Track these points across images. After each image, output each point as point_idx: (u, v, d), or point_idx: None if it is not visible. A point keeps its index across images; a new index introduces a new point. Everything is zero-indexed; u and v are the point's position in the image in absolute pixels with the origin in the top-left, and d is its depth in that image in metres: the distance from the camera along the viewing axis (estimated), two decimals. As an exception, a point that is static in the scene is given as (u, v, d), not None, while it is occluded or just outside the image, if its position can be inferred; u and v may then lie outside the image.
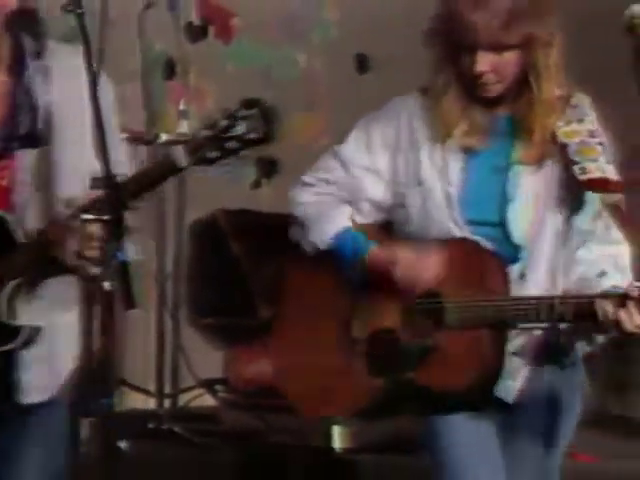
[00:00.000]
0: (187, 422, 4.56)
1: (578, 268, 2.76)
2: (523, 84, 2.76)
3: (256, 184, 5.90)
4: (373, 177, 2.87)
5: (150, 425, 4.55)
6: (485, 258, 2.73)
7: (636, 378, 4.84)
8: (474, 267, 2.73)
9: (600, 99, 2.83)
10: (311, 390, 2.88)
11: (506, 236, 2.76)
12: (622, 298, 2.60)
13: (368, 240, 2.82)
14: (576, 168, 2.66)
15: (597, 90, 2.83)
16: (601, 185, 2.64)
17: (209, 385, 5.12)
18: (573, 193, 2.73)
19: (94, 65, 2.50)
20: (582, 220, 2.77)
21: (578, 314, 2.63)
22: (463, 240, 2.75)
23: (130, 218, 2.57)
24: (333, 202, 2.89)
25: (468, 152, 2.80)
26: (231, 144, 2.56)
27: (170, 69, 5.32)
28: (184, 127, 4.64)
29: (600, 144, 2.71)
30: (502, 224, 2.76)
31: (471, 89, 2.76)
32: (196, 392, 5.01)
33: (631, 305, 2.58)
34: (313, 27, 6.01)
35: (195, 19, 5.75)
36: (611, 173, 2.66)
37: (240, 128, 2.55)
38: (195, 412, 4.85)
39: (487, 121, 2.79)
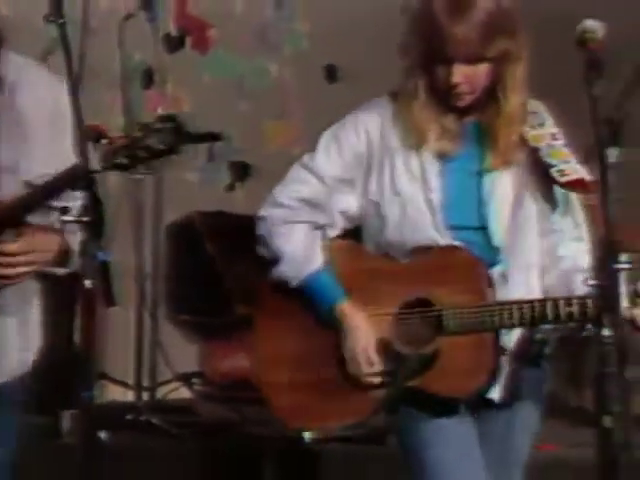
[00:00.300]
0: (164, 414, 4.55)
1: (559, 265, 2.75)
2: (491, 94, 2.75)
3: (230, 187, 5.91)
4: (346, 188, 2.81)
5: (129, 416, 4.54)
6: (469, 263, 2.71)
7: (590, 373, 4.87)
8: (461, 273, 2.70)
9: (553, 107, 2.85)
10: (304, 405, 2.82)
11: (486, 239, 2.74)
12: (634, 296, 2.60)
13: (338, 286, 2.77)
14: (554, 171, 2.66)
15: (551, 99, 2.85)
16: (580, 185, 2.65)
17: (186, 378, 5.12)
18: (546, 194, 2.73)
19: (74, 73, 2.50)
20: (555, 219, 2.76)
21: (585, 312, 2.62)
22: (448, 247, 2.72)
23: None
24: (307, 233, 2.81)
25: (443, 157, 2.76)
26: (140, 153, 2.61)
27: (148, 78, 5.32)
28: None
29: (565, 146, 2.72)
30: (482, 228, 2.74)
31: (443, 98, 2.74)
32: (173, 385, 5.01)
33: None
34: (285, 39, 6.02)
35: (173, 30, 5.76)
36: (584, 173, 2.66)
37: (152, 140, 2.61)
38: (172, 404, 4.85)
39: (457, 127, 2.77)
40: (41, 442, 4.21)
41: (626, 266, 2.47)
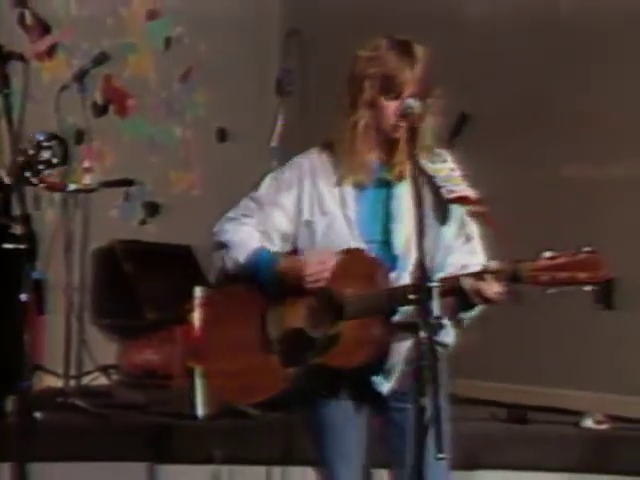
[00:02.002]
0: (88, 397, 4.47)
1: (447, 270, 2.68)
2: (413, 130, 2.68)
3: (143, 222, 5.86)
4: (280, 212, 2.76)
5: (59, 399, 4.45)
6: (371, 264, 2.64)
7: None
8: (363, 270, 2.64)
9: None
10: (233, 384, 2.73)
11: (388, 250, 2.69)
12: (480, 273, 2.54)
13: (279, 255, 2.71)
14: (444, 190, 2.62)
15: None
16: (464, 200, 2.61)
17: (104, 369, 5.06)
18: (441, 212, 2.66)
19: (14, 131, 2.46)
20: (448, 237, 2.69)
21: (448, 291, 2.55)
22: (354, 250, 2.66)
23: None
24: (251, 230, 2.76)
25: (359, 187, 2.72)
26: (40, 167, 2.59)
27: (79, 137, 5.26)
28: (87, 180, 4.63)
29: (460, 176, 2.67)
30: (385, 241, 2.70)
31: (383, 130, 2.68)
32: (95, 374, 4.94)
33: (489, 277, 2.53)
34: (186, 108, 6.00)
35: (99, 99, 5.70)
36: (471, 192, 2.63)
37: (45, 155, 2.60)
38: (94, 390, 4.76)
39: (372, 164, 2.72)
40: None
41: (436, 284, 2.50)
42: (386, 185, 2.73)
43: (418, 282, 2.51)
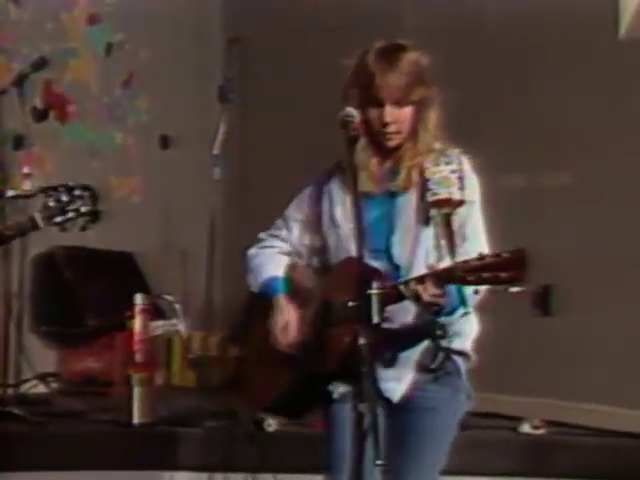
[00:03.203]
0: (26, 405, 4.42)
1: None
2: (410, 138, 2.68)
3: (83, 228, 5.78)
4: (303, 226, 2.79)
5: (-3, 408, 4.40)
6: (368, 271, 2.58)
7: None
8: (354, 277, 2.58)
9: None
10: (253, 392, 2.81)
11: (390, 260, 2.67)
12: (422, 277, 2.52)
13: (285, 286, 2.75)
14: (429, 194, 2.62)
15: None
16: (444, 203, 2.60)
17: (43, 377, 5.01)
18: (425, 215, 2.65)
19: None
20: (429, 238, 2.66)
21: (392, 297, 2.53)
22: (349, 258, 2.64)
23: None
24: (272, 253, 2.82)
25: (367, 195, 2.67)
26: (71, 214, 2.75)
27: (19, 142, 5.21)
28: (27, 186, 4.58)
29: (460, 178, 2.64)
30: (387, 250, 2.67)
31: (376, 140, 2.66)
32: (33, 382, 4.88)
33: (428, 280, 2.50)
34: (128, 113, 5.97)
35: (39, 104, 5.64)
36: (456, 195, 2.61)
37: (77, 203, 2.73)
38: (32, 398, 4.72)
39: (380, 172, 2.70)
40: None
41: (376, 291, 2.51)
42: (391, 195, 2.70)
43: (357, 289, 2.52)
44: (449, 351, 2.67)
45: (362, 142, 2.66)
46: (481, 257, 2.44)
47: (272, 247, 2.84)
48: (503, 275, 2.42)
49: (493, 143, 4.64)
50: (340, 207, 2.73)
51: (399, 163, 2.69)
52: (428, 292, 2.50)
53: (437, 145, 2.69)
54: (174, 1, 5.94)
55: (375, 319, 2.51)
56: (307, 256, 2.81)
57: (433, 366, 2.66)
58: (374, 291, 2.51)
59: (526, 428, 4.31)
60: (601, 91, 4.41)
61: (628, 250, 4.19)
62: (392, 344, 2.64)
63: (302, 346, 2.69)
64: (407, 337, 2.66)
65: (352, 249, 2.61)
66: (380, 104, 2.63)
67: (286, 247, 2.83)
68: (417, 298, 2.53)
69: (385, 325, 2.55)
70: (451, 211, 2.58)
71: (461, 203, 2.59)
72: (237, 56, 4.73)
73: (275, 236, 2.85)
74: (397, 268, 2.65)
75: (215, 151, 4.63)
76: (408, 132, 2.67)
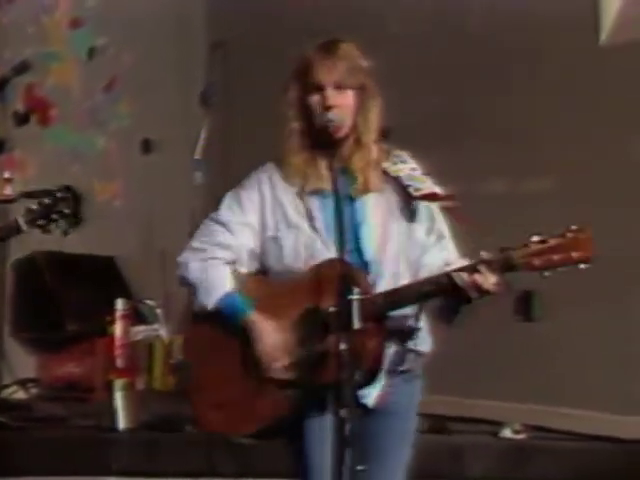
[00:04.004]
0: (6, 411, 4.40)
1: (425, 269, 2.61)
2: (354, 140, 2.65)
3: (65, 233, 5.77)
4: (246, 230, 2.67)
5: (-24, 413, 4.38)
6: (351, 272, 2.53)
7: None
8: (336, 281, 2.52)
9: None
10: (224, 415, 2.61)
11: (359, 257, 2.62)
12: (473, 266, 2.48)
13: (246, 301, 2.61)
14: (411, 189, 2.59)
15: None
16: (432, 197, 2.59)
17: (23, 383, 4.99)
18: (409, 210, 2.63)
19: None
20: (419, 235, 2.64)
21: (441, 289, 2.49)
22: (328, 261, 2.57)
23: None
24: (218, 266, 2.66)
25: (320, 193, 2.64)
26: (54, 216, 2.73)
27: (0, 146, 5.19)
28: (8, 190, 4.55)
29: (423, 174, 2.64)
30: (356, 248, 2.61)
31: (319, 133, 2.62)
32: (13, 388, 4.86)
33: (483, 269, 2.46)
34: (111, 118, 5.96)
35: (21, 108, 5.63)
36: (438, 189, 2.60)
37: (60, 205, 2.72)
38: (12, 403, 4.69)
39: (328, 171, 2.62)
40: None
41: (357, 297, 2.47)
42: (350, 196, 2.66)
43: (339, 295, 2.50)
44: (416, 353, 2.66)
45: (298, 136, 2.64)
46: (542, 240, 2.44)
47: (216, 258, 2.68)
48: (575, 255, 2.44)
49: (476, 147, 4.67)
50: (291, 207, 2.66)
51: (347, 161, 2.65)
52: (489, 280, 2.46)
53: (384, 146, 2.69)
54: (157, 5, 5.94)
55: (357, 325, 2.45)
56: (247, 261, 2.69)
57: (402, 368, 2.64)
58: (355, 297, 2.47)
59: (507, 433, 4.33)
60: (583, 96, 4.44)
61: (609, 254, 4.21)
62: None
63: (299, 365, 2.57)
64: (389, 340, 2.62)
65: (316, 251, 2.59)
66: (321, 88, 2.62)
67: (229, 255, 2.68)
68: (475, 287, 2.47)
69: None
70: (442, 204, 2.59)
71: (448, 197, 2.59)
72: (220, 60, 4.74)
73: (216, 244, 2.69)
74: (367, 265, 2.62)
75: (197, 156, 4.63)
76: (351, 125, 2.64)
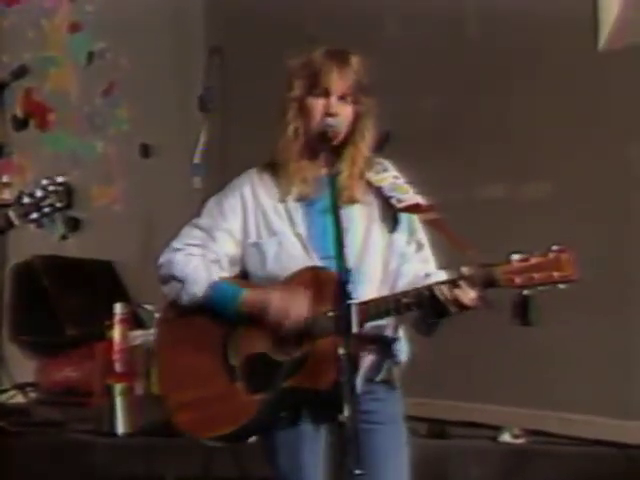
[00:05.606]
0: (5, 416, 4.40)
1: (404, 279, 2.63)
2: (344, 143, 2.66)
3: (63, 237, 5.79)
4: (227, 236, 2.67)
5: (-25, 418, 4.38)
6: (329, 279, 2.53)
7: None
8: (319, 288, 2.54)
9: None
10: (198, 415, 2.59)
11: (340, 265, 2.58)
12: (454, 280, 2.49)
13: (240, 287, 2.61)
14: (393, 200, 2.60)
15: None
16: (414, 208, 2.60)
17: (22, 387, 4.98)
18: (391, 220, 2.65)
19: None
20: (399, 244, 2.66)
21: (422, 302, 2.51)
22: (310, 268, 2.59)
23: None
24: (203, 260, 2.65)
25: (304, 201, 2.66)
26: (46, 209, 2.66)
27: (-1, 150, 5.20)
28: (7, 195, 4.55)
29: (405, 184, 2.65)
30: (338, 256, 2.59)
31: (313, 139, 2.63)
32: (12, 392, 4.86)
33: (464, 284, 2.47)
34: (109, 122, 5.97)
35: (19, 113, 5.63)
36: (421, 200, 2.61)
37: (52, 198, 2.66)
38: (11, 407, 4.69)
39: (315, 177, 2.66)
40: None
41: (354, 301, 2.46)
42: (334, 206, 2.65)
43: (338, 298, 2.50)
44: (393, 362, 2.66)
45: (293, 136, 2.64)
46: (524, 258, 2.44)
47: (198, 255, 2.66)
48: (556, 275, 2.43)
49: (474, 153, 4.67)
50: (273, 214, 2.66)
51: (334, 171, 2.63)
52: (468, 296, 2.48)
53: (367, 154, 2.69)
54: (155, 10, 5.95)
55: (355, 329, 2.44)
56: (227, 268, 2.68)
57: (379, 378, 2.64)
58: (354, 301, 2.45)
59: (506, 437, 4.32)
60: (582, 102, 4.44)
61: (606, 260, 4.21)
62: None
63: (287, 365, 2.54)
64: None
65: (299, 258, 2.58)
66: (326, 95, 2.63)
67: (212, 256, 2.68)
68: (454, 302, 2.48)
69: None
70: (424, 215, 2.59)
71: (430, 208, 2.59)
72: (218, 65, 4.74)
73: (196, 245, 2.68)
74: (346, 272, 2.58)
75: (195, 160, 4.63)
76: (345, 135, 2.65)
